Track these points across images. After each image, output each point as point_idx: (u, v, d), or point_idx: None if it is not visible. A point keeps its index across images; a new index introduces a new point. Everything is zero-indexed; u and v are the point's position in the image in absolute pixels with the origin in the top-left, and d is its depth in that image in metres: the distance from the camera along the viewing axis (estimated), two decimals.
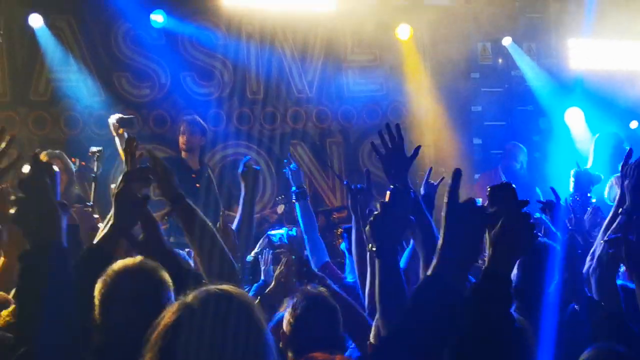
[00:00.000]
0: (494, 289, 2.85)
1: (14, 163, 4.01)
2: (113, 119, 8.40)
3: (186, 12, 11.33)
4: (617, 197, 5.32)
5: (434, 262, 2.95)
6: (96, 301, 3.47)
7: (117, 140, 8.40)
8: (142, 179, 4.23)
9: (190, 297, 2.79)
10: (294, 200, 6.82)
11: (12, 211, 3.26)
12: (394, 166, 4.70)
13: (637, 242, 4.35)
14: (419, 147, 4.81)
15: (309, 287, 4.54)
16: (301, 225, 6.62)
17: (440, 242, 2.96)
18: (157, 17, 11.01)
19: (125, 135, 8.28)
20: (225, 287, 2.85)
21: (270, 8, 11.36)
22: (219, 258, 4.30)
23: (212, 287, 2.84)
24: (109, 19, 11.10)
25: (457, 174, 3.01)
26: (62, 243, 3.33)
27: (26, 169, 3.47)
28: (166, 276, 3.64)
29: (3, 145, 4.03)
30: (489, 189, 2.96)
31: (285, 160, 7.34)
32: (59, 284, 3.22)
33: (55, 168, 3.45)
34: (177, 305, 2.79)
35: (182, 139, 9.75)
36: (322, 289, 4.58)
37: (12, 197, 3.28)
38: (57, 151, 8.85)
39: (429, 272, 2.95)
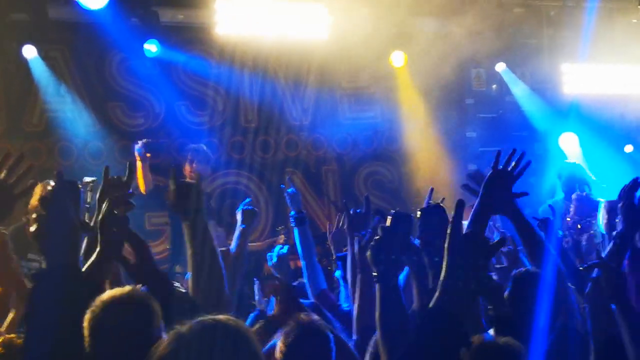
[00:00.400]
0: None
1: (26, 190, 3.98)
2: (140, 143, 8.44)
3: (180, 41, 11.35)
4: (605, 223, 5.33)
5: (437, 294, 2.94)
6: (85, 332, 3.42)
7: (139, 164, 8.40)
8: (125, 203, 4.18)
9: (185, 327, 2.76)
10: (292, 225, 6.65)
11: (32, 228, 3.27)
12: (496, 191, 4.58)
13: (616, 268, 4.33)
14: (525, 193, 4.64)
15: (302, 315, 4.49)
16: (299, 251, 6.53)
17: (443, 273, 2.95)
18: (151, 47, 11.00)
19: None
20: (220, 317, 2.82)
21: (263, 36, 11.35)
22: (214, 280, 4.25)
23: (208, 317, 2.81)
24: (102, 49, 11.09)
25: (459, 206, 2.98)
26: (79, 265, 3.31)
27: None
28: (156, 306, 3.59)
29: (21, 172, 4.01)
30: (418, 212, 3.05)
31: (282, 185, 7.29)
32: (71, 307, 3.21)
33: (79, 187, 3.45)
34: (172, 335, 2.76)
35: (188, 168, 9.74)
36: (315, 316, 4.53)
37: (34, 215, 3.28)
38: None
39: (431, 304, 2.93)
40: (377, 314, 3.60)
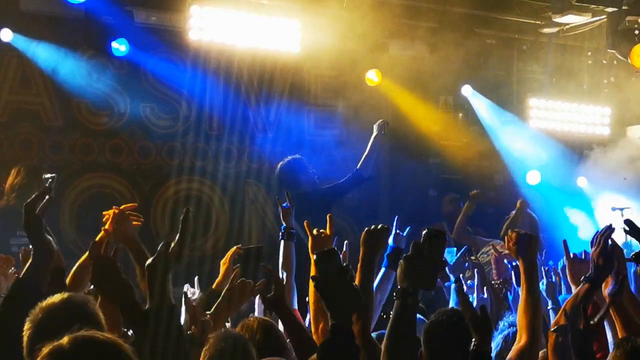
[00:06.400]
0: (341, 340, 3.24)
1: None
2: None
3: (150, 43, 11.24)
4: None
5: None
6: (24, 342, 3.35)
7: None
8: None
9: (65, 340, 2.68)
10: (280, 239, 6.78)
11: None
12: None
13: (582, 331, 4.38)
14: None
15: (227, 328, 4.53)
16: (279, 264, 6.56)
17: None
18: (120, 46, 10.90)
19: None
20: (98, 334, 2.76)
21: (236, 45, 11.30)
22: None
23: (90, 332, 2.75)
24: (72, 44, 10.97)
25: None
26: None
27: None
28: (97, 311, 3.56)
29: None
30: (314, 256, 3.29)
31: (278, 197, 7.37)
32: None
33: None
34: (49, 349, 2.69)
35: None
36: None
37: None
38: None
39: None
40: (387, 332, 3.60)
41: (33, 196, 4.16)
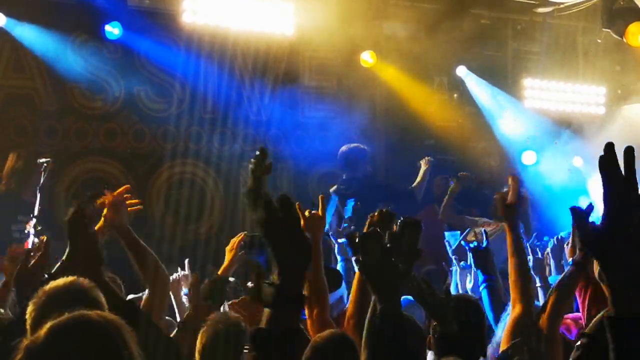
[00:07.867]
0: (390, 324, 3.20)
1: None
2: None
3: (144, 26, 11.18)
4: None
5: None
6: (27, 325, 3.33)
7: None
8: None
9: (42, 332, 2.54)
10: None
11: None
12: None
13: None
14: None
15: (224, 312, 4.55)
16: None
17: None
18: (113, 30, 10.85)
19: None
20: (79, 315, 2.61)
21: (230, 28, 11.27)
22: None
23: (66, 317, 2.59)
24: (65, 28, 10.91)
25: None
26: None
27: None
28: (100, 296, 3.53)
29: None
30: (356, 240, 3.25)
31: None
32: None
33: None
34: (25, 344, 2.54)
35: None
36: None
37: None
38: None
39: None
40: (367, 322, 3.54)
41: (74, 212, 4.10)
